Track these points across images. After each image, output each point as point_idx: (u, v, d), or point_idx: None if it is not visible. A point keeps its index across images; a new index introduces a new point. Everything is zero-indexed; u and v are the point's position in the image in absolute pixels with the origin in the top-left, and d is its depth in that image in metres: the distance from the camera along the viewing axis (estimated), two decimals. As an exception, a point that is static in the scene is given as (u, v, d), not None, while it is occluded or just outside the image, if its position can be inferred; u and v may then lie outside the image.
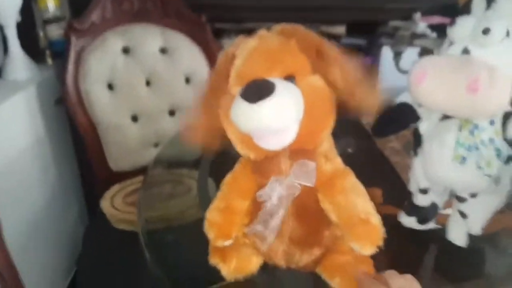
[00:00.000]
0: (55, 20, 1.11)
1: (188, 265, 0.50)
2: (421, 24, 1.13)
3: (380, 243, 0.40)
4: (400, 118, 0.50)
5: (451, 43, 0.44)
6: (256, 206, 0.44)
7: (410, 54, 0.98)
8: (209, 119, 0.44)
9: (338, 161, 0.44)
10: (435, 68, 0.42)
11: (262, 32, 0.43)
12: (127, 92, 1.04)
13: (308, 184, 0.41)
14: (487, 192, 0.47)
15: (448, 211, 0.54)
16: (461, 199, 0.49)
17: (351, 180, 0.43)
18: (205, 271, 0.49)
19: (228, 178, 0.47)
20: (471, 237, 0.50)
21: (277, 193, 0.41)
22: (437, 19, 0.47)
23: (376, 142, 0.85)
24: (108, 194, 0.99)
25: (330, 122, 0.42)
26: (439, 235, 0.54)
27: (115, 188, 1.01)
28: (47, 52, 1.12)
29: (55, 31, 1.11)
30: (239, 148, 0.43)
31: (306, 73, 0.41)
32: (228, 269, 0.45)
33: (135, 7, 1.03)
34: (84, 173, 1.28)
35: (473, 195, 0.48)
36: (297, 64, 0.40)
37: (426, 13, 0.49)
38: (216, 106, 0.43)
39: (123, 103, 1.04)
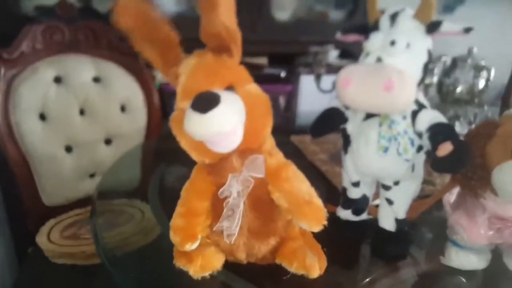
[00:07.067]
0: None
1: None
2: (332, 54, 1.29)
3: (325, 221, 0.45)
4: (332, 120, 0.56)
5: (367, 54, 0.51)
6: (216, 208, 0.48)
7: (328, 78, 1.10)
8: None
9: (281, 156, 0.50)
10: (356, 74, 0.48)
11: (198, 51, 0.47)
12: (60, 122, 1.01)
13: (260, 176, 0.46)
14: (406, 178, 0.53)
15: (376, 202, 0.60)
16: (386, 187, 0.55)
17: (293, 170, 0.48)
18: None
19: (186, 185, 0.50)
20: (398, 222, 0.56)
21: (235, 188, 0.45)
22: (353, 37, 0.55)
23: (306, 156, 0.95)
24: (44, 229, 0.94)
25: (269, 122, 0.47)
26: (371, 223, 0.60)
27: (50, 223, 0.97)
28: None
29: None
30: (194, 155, 0.46)
31: (243, 82, 0.46)
32: (195, 268, 0.47)
33: (66, 38, 1.02)
34: (11, 211, 1.18)
35: (396, 183, 0.54)
36: (233, 76, 0.45)
37: (344, 31, 0.56)
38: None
39: (57, 133, 1.01)
